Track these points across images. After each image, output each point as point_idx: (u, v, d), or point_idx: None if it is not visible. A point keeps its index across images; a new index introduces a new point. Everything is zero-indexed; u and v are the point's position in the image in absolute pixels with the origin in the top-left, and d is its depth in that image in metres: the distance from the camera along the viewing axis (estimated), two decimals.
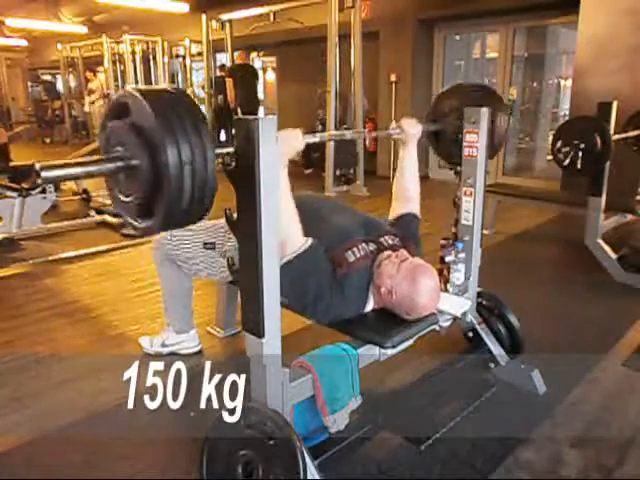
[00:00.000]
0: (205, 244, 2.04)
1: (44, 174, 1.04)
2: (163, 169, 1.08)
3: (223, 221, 1.36)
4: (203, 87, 8.39)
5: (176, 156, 1.07)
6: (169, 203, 1.11)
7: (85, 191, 5.29)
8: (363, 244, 1.74)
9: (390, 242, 1.81)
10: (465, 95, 2.10)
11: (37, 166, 1.03)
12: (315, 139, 1.69)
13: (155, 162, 1.10)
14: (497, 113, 2.03)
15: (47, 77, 14.69)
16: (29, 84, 14.78)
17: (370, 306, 1.74)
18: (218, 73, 7.87)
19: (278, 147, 1.34)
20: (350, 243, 1.72)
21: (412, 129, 1.94)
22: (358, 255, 1.70)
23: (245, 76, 7.37)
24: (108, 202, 4.42)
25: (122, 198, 1.20)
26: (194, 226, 2.05)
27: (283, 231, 1.47)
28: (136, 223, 1.21)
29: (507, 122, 2.11)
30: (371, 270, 1.70)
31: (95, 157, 1.16)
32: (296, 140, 1.51)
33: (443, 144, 2.15)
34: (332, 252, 1.67)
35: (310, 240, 1.59)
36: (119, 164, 1.13)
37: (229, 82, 7.18)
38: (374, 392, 1.88)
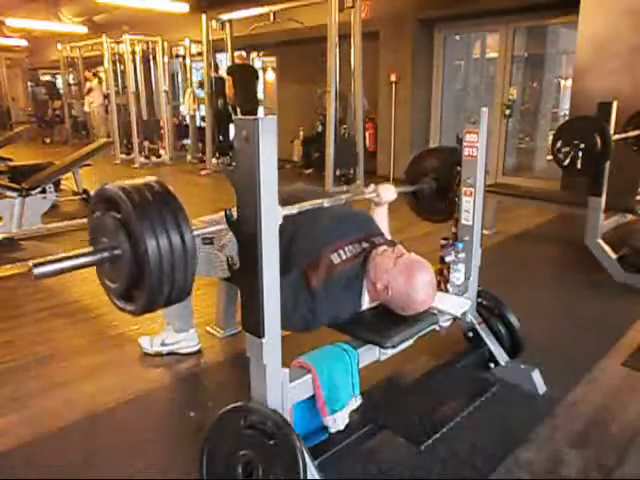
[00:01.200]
0: (203, 239, 2.05)
1: (37, 271, 1.15)
2: (143, 257, 1.17)
3: (218, 215, 1.39)
4: (201, 84, 8.35)
5: (155, 247, 1.16)
6: (149, 291, 1.21)
7: (85, 191, 5.28)
8: (354, 245, 1.74)
9: (382, 240, 1.81)
10: (439, 156, 2.20)
11: (31, 264, 1.15)
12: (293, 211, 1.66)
13: (136, 252, 1.19)
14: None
15: (47, 77, 14.70)
16: (29, 84, 14.78)
17: (366, 303, 1.74)
18: (214, 73, 7.85)
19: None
20: (337, 245, 1.72)
21: (388, 195, 1.98)
22: (344, 257, 1.70)
23: (245, 76, 7.38)
24: None
25: (109, 284, 1.31)
26: (194, 222, 2.06)
27: None
28: (121, 305, 1.32)
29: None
30: (362, 268, 1.70)
31: (85, 250, 1.27)
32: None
33: (421, 203, 2.24)
34: (315, 255, 1.67)
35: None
36: (104, 255, 1.24)
37: (229, 80, 7.19)
38: (374, 392, 1.88)
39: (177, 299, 1.28)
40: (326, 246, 1.70)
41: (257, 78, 7.77)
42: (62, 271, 1.20)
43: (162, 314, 2.37)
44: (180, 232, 1.20)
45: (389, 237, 2.01)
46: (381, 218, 2.03)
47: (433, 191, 2.15)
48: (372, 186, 1.98)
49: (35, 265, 1.15)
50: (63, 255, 1.20)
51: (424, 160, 2.23)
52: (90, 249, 1.27)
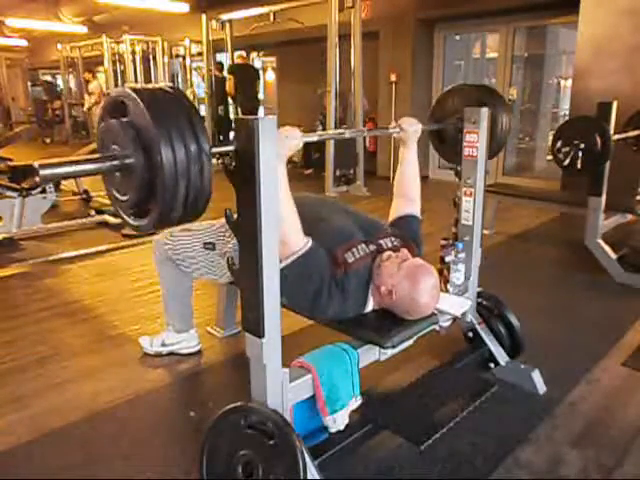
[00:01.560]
0: (205, 244, 2.04)
1: (42, 172, 1.06)
2: (157, 169, 1.08)
3: (223, 221, 1.37)
4: (204, 74, 8.25)
5: (170, 156, 1.07)
6: (163, 204, 1.12)
7: (85, 191, 5.29)
8: (363, 245, 1.74)
9: (390, 244, 1.81)
10: (467, 95, 2.11)
11: (36, 164, 1.04)
12: (313, 138, 1.69)
13: (149, 162, 1.10)
14: (499, 113, 2.03)
15: (47, 77, 14.69)
16: (29, 84, 14.77)
17: (370, 306, 1.74)
18: (214, 72, 7.85)
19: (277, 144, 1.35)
20: (350, 244, 1.71)
21: (411, 128, 1.94)
22: (357, 256, 1.70)
23: (246, 76, 7.38)
24: (108, 202, 4.42)
25: (118, 196, 1.21)
26: (194, 226, 2.05)
27: (283, 231, 1.47)
28: (131, 221, 1.23)
29: (509, 122, 2.11)
30: (371, 270, 1.70)
31: (92, 155, 1.18)
32: (294, 138, 1.51)
33: (445, 144, 2.15)
34: (332, 253, 1.67)
35: (310, 241, 1.59)
36: (114, 163, 1.14)
37: (229, 80, 7.18)
38: (374, 392, 1.88)
39: (192, 214, 1.19)
40: (340, 245, 1.70)
41: (258, 78, 7.77)
42: (67, 175, 1.13)
43: (163, 309, 2.37)
44: (198, 142, 1.10)
45: (418, 184, 2.00)
46: (410, 161, 1.99)
47: (458, 130, 2.03)
48: (394, 122, 1.94)
49: (40, 166, 1.05)
50: (69, 159, 1.12)
51: (449, 99, 2.14)
52: (98, 155, 1.18)
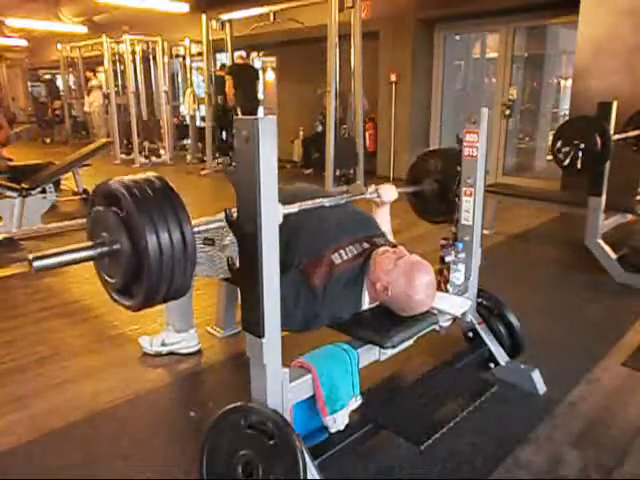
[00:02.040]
0: (205, 240, 2.04)
1: (36, 264, 1.14)
2: (143, 254, 1.17)
3: (220, 216, 1.38)
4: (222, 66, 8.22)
5: (155, 242, 1.16)
6: (148, 286, 1.20)
7: (85, 191, 5.29)
8: (354, 245, 1.74)
9: (383, 241, 1.81)
10: (442, 157, 2.20)
11: (30, 257, 1.13)
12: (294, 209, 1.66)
13: (135, 247, 1.19)
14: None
15: (47, 77, 14.69)
16: (29, 84, 14.77)
17: (366, 304, 1.74)
18: (217, 73, 7.87)
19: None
20: (338, 245, 1.72)
21: (389, 195, 1.98)
22: (345, 257, 1.70)
23: (245, 76, 7.38)
24: None
25: (107, 279, 1.30)
26: (193, 222, 2.05)
27: None
28: (119, 300, 1.32)
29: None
30: (363, 268, 1.70)
31: (84, 244, 1.26)
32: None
33: (423, 204, 2.25)
34: (316, 254, 1.67)
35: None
36: (103, 249, 1.24)
37: (228, 80, 7.18)
38: (374, 392, 1.88)
39: (176, 295, 1.28)
40: (327, 246, 1.71)
41: (257, 78, 7.77)
42: (61, 264, 1.20)
43: (163, 313, 2.37)
44: (180, 228, 1.19)
45: (391, 237, 2.01)
46: (382, 219, 2.03)
47: (434, 192, 2.16)
48: (373, 186, 1.99)
49: (35, 258, 1.13)
50: (63, 249, 1.20)
51: (426, 161, 2.24)
52: (89, 243, 1.27)
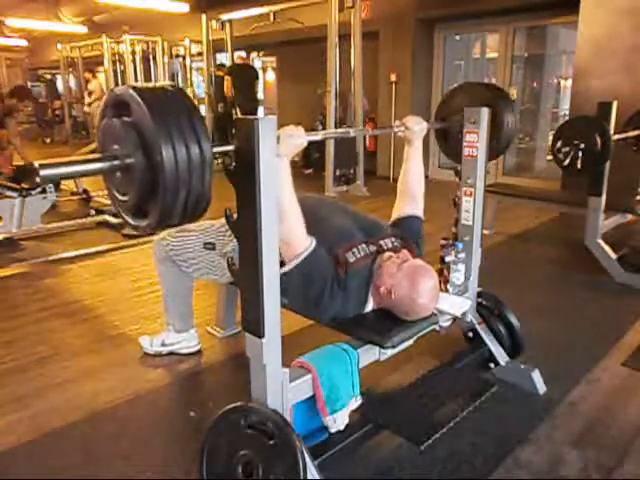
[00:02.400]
0: (205, 244, 2.04)
1: (43, 172, 1.05)
2: (158, 169, 1.07)
3: (223, 221, 1.36)
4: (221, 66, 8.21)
5: (171, 156, 1.06)
6: (163, 204, 1.11)
7: (85, 191, 5.29)
8: (363, 245, 1.74)
9: (390, 245, 1.81)
10: (473, 93, 2.11)
11: (36, 164, 1.04)
12: (317, 137, 1.69)
13: (150, 162, 1.09)
14: (504, 112, 2.03)
15: (47, 77, 14.68)
16: (29, 84, 14.76)
17: (370, 306, 1.74)
18: (216, 73, 7.86)
19: (280, 145, 1.35)
20: (350, 244, 1.71)
21: (416, 126, 1.92)
22: (358, 255, 1.70)
23: (245, 76, 7.38)
24: (108, 202, 4.42)
25: (118, 196, 1.21)
26: (194, 226, 2.05)
27: (287, 231, 1.47)
28: (131, 221, 1.22)
29: (515, 121, 2.10)
30: (371, 270, 1.70)
31: (92, 155, 1.17)
32: (299, 137, 1.50)
33: (450, 142, 2.15)
34: (333, 252, 1.67)
35: (314, 241, 1.59)
36: (115, 163, 1.13)
37: (227, 80, 7.18)
38: (374, 392, 1.88)
39: (192, 216, 1.18)
40: (341, 244, 1.70)
41: (257, 78, 7.77)
42: (68, 175, 1.13)
43: (163, 309, 2.37)
44: (198, 141, 1.09)
45: (422, 183, 2.00)
46: (415, 160, 1.98)
47: (461, 130, 2.01)
48: (397, 121, 1.94)
49: (41, 165, 1.04)
50: (70, 158, 1.11)
51: (455, 98, 2.14)
52: (99, 155, 1.17)
